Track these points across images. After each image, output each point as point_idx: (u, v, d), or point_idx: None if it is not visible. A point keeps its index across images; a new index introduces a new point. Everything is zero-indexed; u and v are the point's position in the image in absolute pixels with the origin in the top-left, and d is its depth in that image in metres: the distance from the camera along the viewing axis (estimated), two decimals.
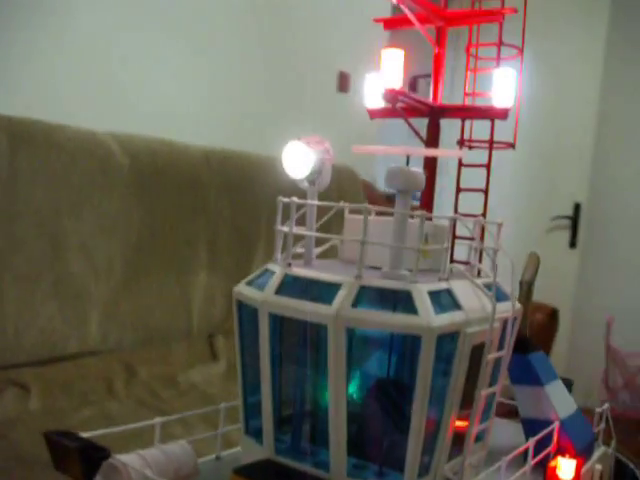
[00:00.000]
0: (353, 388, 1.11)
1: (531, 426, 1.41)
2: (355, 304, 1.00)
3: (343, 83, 4.46)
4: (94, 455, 1.00)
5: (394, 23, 1.31)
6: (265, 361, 1.10)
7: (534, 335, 4.20)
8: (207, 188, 3.14)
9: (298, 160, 1.14)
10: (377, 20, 1.30)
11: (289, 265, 1.12)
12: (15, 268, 2.44)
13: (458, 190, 1.33)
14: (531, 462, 1.26)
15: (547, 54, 5.47)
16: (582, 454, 1.41)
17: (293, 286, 1.09)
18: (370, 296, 1.02)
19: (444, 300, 1.05)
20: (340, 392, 1.02)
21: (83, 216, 2.63)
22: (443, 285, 1.08)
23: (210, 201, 3.15)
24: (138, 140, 2.95)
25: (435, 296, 1.03)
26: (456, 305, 1.06)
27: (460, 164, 1.35)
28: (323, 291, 1.04)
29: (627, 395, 5.04)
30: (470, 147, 1.40)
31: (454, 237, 1.28)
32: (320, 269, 1.11)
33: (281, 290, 1.08)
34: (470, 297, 1.10)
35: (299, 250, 1.20)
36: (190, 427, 2.05)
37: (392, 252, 1.07)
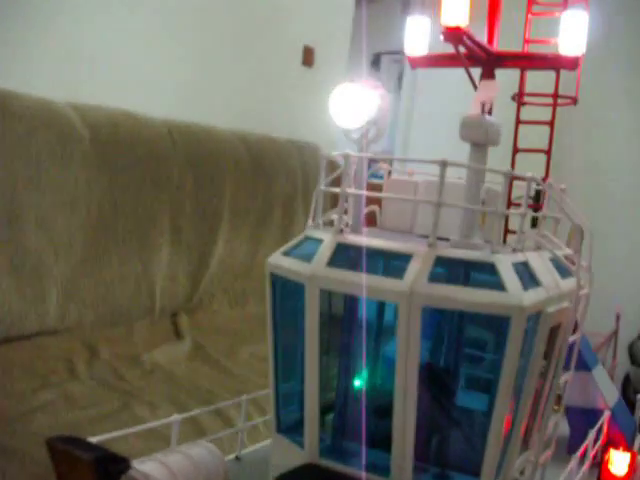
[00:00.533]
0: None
1: (578, 415, 1.32)
2: (431, 278, 0.86)
3: (308, 57, 4.37)
4: (113, 468, 0.81)
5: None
6: (313, 347, 0.93)
7: None
8: (170, 162, 3.04)
9: (351, 106, 0.99)
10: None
11: (341, 232, 0.96)
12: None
13: (515, 151, 1.18)
14: (590, 458, 1.16)
15: None
16: (631, 446, 1.33)
17: (348, 257, 0.93)
18: (447, 269, 0.88)
19: (524, 275, 0.92)
20: (411, 386, 0.86)
21: (41, 189, 2.51)
22: (520, 257, 0.95)
23: (173, 175, 3.05)
24: (99, 111, 2.84)
25: (518, 270, 0.90)
26: (535, 280, 0.93)
27: (518, 121, 1.20)
28: (390, 263, 0.90)
29: None
30: (524, 104, 1.26)
31: (510, 203, 1.12)
32: (374, 237, 0.96)
33: (333, 262, 0.92)
34: (544, 271, 0.98)
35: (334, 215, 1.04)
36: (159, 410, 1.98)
37: (465, 218, 0.94)
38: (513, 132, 1.19)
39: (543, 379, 1.01)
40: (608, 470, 1.26)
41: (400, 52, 5.04)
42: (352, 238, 0.94)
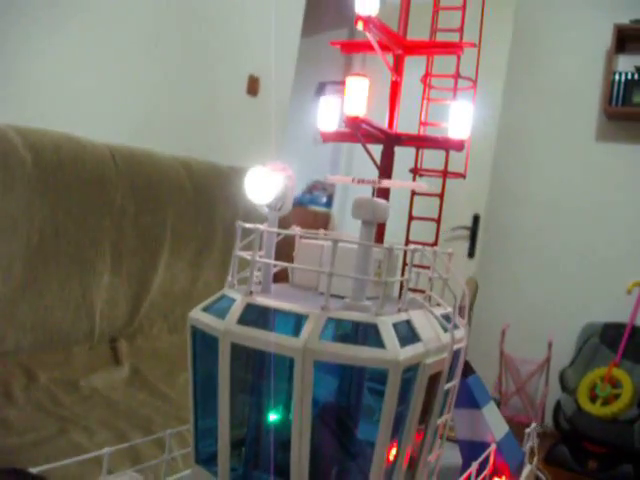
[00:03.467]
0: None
1: (468, 448, 1.43)
2: (323, 337, 0.98)
3: (252, 86, 4.44)
4: None
5: (352, 47, 1.29)
6: (224, 391, 1.06)
7: None
8: (113, 187, 3.06)
9: (261, 186, 1.14)
10: (334, 43, 1.28)
11: (251, 293, 1.09)
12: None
13: (410, 218, 1.33)
14: None
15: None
16: (515, 474, 1.44)
17: (256, 315, 1.06)
18: (336, 328, 1.00)
19: (404, 331, 1.05)
20: (305, 424, 0.99)
21: None
22: (404, 316, 1.08)
23: (116, 200, 3.07)
24: (42, 134, 2.84)
25: (398, 328, 1.03)
26: (415, 337, 1.06)
27: (413, 193, 1.35)
28: (289, 322, 1.02)
29: (518, 400, 5.21)
30: (421, 175, 1.39)
31: (404, 265, 1.28)
32: (280, 297, 1.09)
33: (243, 319, 1.05)
34: (426, 327, 1.10)
35: (247, 274, 1.16)
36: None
37: (355, 283, 1.06)
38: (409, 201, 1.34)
39: (427, 419, 1.12)
40: None
41: (342, 82, 5.13)
42: (258, 299, 1.07)
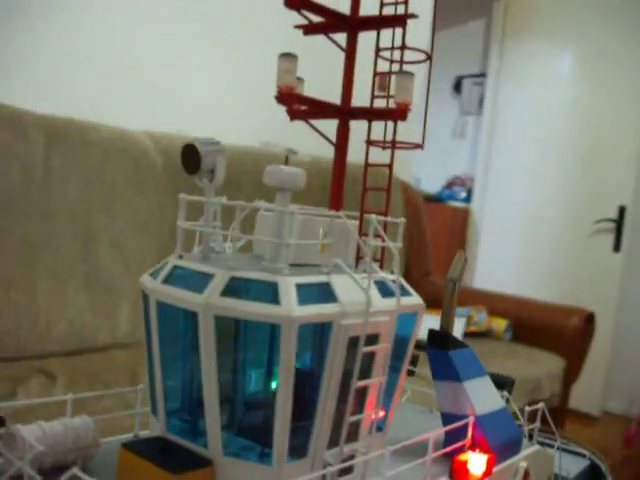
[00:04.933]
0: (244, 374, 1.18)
1: (449, 421, 1.43)
2: (225, 294, 1.05)
3: (383, 80, 4.47)
4: None
5: (313, 29, 1.33)
6: (155, 347, 1.17)
7: (568, 339, 4.12)
8: (242, 187, 3.18)
9: (192, 159, 1.19)
10: (297, 26, 1.32)
11: (180, 257, 1.19)
12: (48, 262, 2.52)
13: (364, 189, 1.35)
14: (431, 454, 1.27)
15: (591, 54, 5.42)
16: (500, 451, 1.42)
17: (180, 276, 1.15)
18: (240, 286, 1.07)
19: (319, 293, 1.10)
20: (211, 374, 1.07)
21: (115, 213, 2.70)
22: (321, 278, 1.13)
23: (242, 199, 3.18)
24: (173, 138, 3.01)
25: (306, 288, 1.08)
26: (332, 298, 1.10)
27: (366, 164, 1.37)
28: (200, 281, 1.09)
29: None
30: (374, 145, 1.39)
31: (361, 234, 1.28)
32: (211, 262, 1.16)
33: (168, 280, 1.15)
34: (354, 291, 1.13)
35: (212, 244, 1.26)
36: None
37: (271, 246, 1.14)
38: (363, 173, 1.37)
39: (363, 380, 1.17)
40: (467, 470, 1.34)
41: (481, 75, 5.11)
42: (182, 262, 1.18)
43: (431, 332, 1.46)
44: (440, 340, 1.44)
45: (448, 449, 1.37)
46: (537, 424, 1.63)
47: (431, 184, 6.37)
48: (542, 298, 4.32)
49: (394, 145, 1.34)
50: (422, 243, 4.53)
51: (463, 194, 6.33)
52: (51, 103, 2.68)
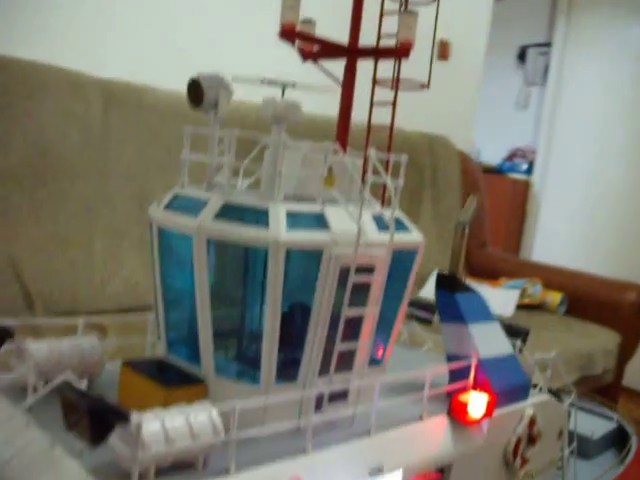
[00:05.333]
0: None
1: (452, 360, 1.47)
2: (218, 218, 1.11)
3: (443, 51, 4.43)
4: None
5: None
6: (157, 272, 1.25)
7: (624, 315, 4.04)
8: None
9: (197, 94, 1.25)
10: None
11: (182, 186, 1.26)
12: (104, 222, 2.60)
13: (369, 129, 1.40)
14: (427, 391, 1.30)
15: None
16: (504, 395, 1.44)
17: (180, 204, 1.21)
18: (234, 212, 1.12)
19: (311, 222, 1.14)
20: (204, 296, 1.13)
21: (170, 175, 2.75)
22: (314, 208, 1.17)
23: None
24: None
25: (298, 217, 1.12)
26: (325, 227, 1.14)
27: (372, 103, 1.42)
28: (196, 207, 1.15)
29: None
30: (380, 85, 1.44)
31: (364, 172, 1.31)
32: (210, 191, 1.21)
33: (169, 206, 1.21)
34: (348, 223, 1.17)
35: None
36: None
37: (266, 177, 1.19)
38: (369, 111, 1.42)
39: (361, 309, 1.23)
40: (466, 410, 1.35)
41: (547, 44, 5.00)
42: (183, 190, 1.24)
43: (439, 275, 1.50)
44: (447, 283, 1.48)
45: (449, 387, 1.40)
46: (548, 373, 1.64)
47: (492, 156, 6.29)
48: (602, 274, 4.24)
49: (397, 84, 1.40)
50: (479, 214, 4.50)
51: (524, 166, 6.23)
52: (109, 67, 2.74)
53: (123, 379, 1.20)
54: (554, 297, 3.98)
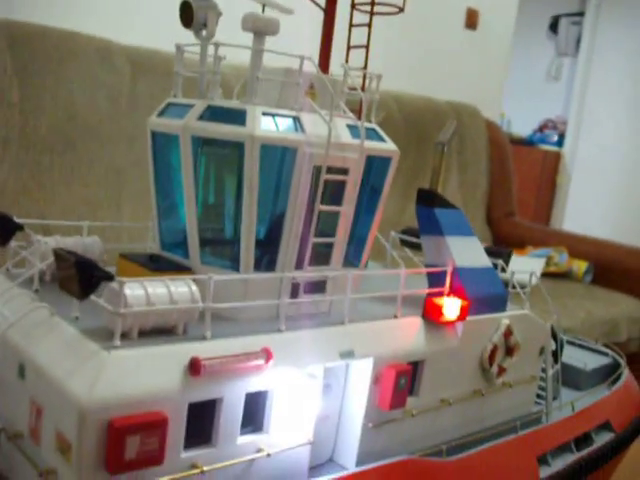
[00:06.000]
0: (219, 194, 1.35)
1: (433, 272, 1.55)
2: (201, 118, 1.23)
3: (471, 20, 4.42)
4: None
5: None
6: (151, 175, 1.38)
7: (633, 283, 4.01)
8: None
9: (187, 14, 1.35)
10: None
11: (174, 96, 1.38)
12: (132, 186, 2.67)
13: (349, 48, 1.52)
14: (402, 290, 1.40)
15: None
16: (480, 303, 1.52)
17: (171, 110, 1.33)
18: (216, 113, 1.24)
19: (287, 123, 1.25)
20: (190, 189, 1.26)
21: None
22: (291, 112, 1.27)
23: None
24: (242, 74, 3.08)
25: (275, 117, 1.24)
26: (300, 129, 1.25)
27: (350, 25, 1.53)
28: (184, 111, 1.26)
29: None
30: (358, 10, 1.53)
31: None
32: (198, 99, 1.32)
33: (162, 113, 1.34)
34: (323, 128, 1.26)
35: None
36: None
37: (248, 83, 1.29)
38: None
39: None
40: (437, 309, 1.44)
41: (580, 14, 4.97)
42: (174, 99, 1.37)
43: (419, 190, 1.57)
44: (427, 198, 1.56)
45: (425, 290, 1.48)
46: (528, 290, 1.71)
47: (522, 127, 6.26)
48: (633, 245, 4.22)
49: (373, 6, 1.49)
50: (506, 183, 4.49)
51: (555, 137, 6.20)
52: (136, 34, 2.80)
53: (119, 269, 1.32)
54: (580, 266, 3.99)
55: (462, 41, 4.43)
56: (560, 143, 6.16)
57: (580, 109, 6.05)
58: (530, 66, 6.26)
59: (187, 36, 1.38)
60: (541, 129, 6.35)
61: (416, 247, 1.69)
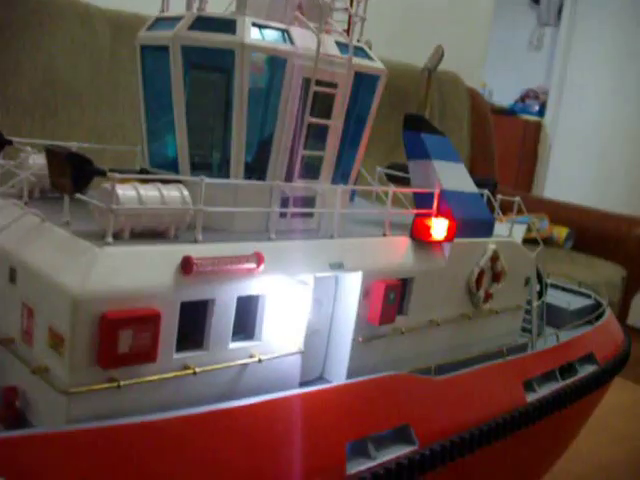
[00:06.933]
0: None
1: (418, 195, 1.56)
2: (192, 28, 1.23)
3: None
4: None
5: None
6: (140, 91, 1.39)
7: (631, 249, 4.04)
8: None
9: None
10: None
11: (162, 12, 1.37)
12: (114, 150, 2.66)
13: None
14: (389, 208, 1.43)
15: None
16: (467, 227, 1.55)
17: (161, 24, 1.33)
18: (206, 24, 1.24)
19: (277, 36, 1.26)
20: (180, 100, 1.26)
21: None
22: (279, 25, 1.28)
23: None
24: None
25: (265, 29, 1.25)
26: (290, 41, 1.26)
27: None
28: (174, 24, 1.26)
29: None
30: None
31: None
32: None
33: (151, 28, 1.34)
34: (313, 42, 1.27)
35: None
36: None
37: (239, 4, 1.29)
38: None
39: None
40: (425, 228, 1.46)
41: None
42: (164, 14, 1.36)
43: (407, 115, 1.59)
44: (414, 123, 1.58)
45: (413, 210, 1.50)
46: (513, 215, 1.75)
47: (504, 97, 6.27)
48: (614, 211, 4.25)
49: None
50: (487, 151, 4.51)
51: (536, 107, 6.22)
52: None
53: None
54: (561, 232, 4.03)
55: (444, 8, 4.42)
56: (541, 113, 6.18)
57: (561, 79, 6.06)
58: (512, 36, 6.26)
59: (173, 4, 1.40)
60: (522, 99, 6.36)
61: (402, 182, 1.70)
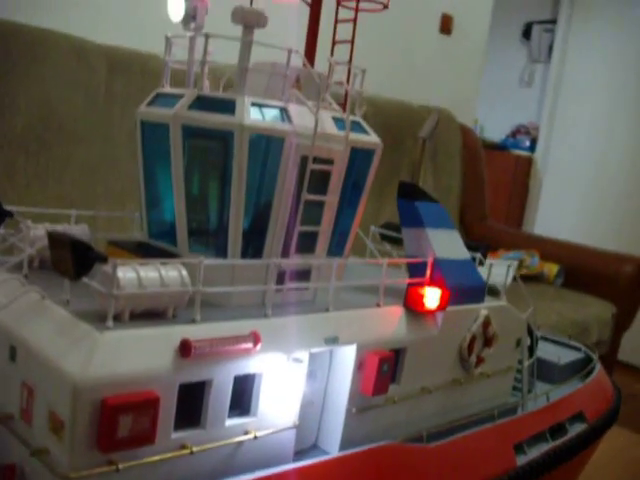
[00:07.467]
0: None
1: (413, 263, 1.57)
2: (191, 108, 1.25)
3: (445, 25, 4.46)
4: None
5: None
6: (140, 165, 1.40)
7: (621, 286, 4.08)
8: None
9: (175, 7, 1.39)
10: None
11: (162, 87, 1.40)
12: (107, 185, 2.67)
13: (334, 43, 1.55)
14: (384, 279, 1.43)
15: None
16: (460, 294, 1.55)
17: (161, 101, 1.34)
18: (206, 103, 1.25)
19: (275, 114, 1.28)
20: (179, 179, 1.27)
21: None
22: (277, 103, 1.30)
23: None
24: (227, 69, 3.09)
25: (263, 108, 1.26)
26: (287, 119, 1.28)
27: (336, 20, 1.56)
28: (173, 101, 1.28)
29: None
30: (343, 7, 1.57)
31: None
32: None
33: (151, 104, 1.36)
34: (310, 119, 1.29)
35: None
36: None
37: (237, 74, 1.31)
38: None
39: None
40: (419, 297, 1.47)
41: (552, 21, 5.03)
42: (163, 90, 1.39)
43: (401, 183, 1.59)
44: (408, 191, 1.58)
45: (407, 279, 1.51)
46: (509, 280, 1.76)
47: (495, 132, 6.33)
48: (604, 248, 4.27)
49: (358, 2, 1.53)
50: (479, 187, 4.54)
51: (527, 143, 6.27)
52: (113, 35, 2.79)
53: (108, 254, 1.34)
54: (551, 269, 4.04)
55: (437, 46, 4.47)
56: (532, 148, 6.23)
57: (552, 115, 6.12)
58: (503, 72, 6.33)
59: (162, 39, 1.42)
60: (514, 134, 6.41)
61: (396, 241, 1.71)
